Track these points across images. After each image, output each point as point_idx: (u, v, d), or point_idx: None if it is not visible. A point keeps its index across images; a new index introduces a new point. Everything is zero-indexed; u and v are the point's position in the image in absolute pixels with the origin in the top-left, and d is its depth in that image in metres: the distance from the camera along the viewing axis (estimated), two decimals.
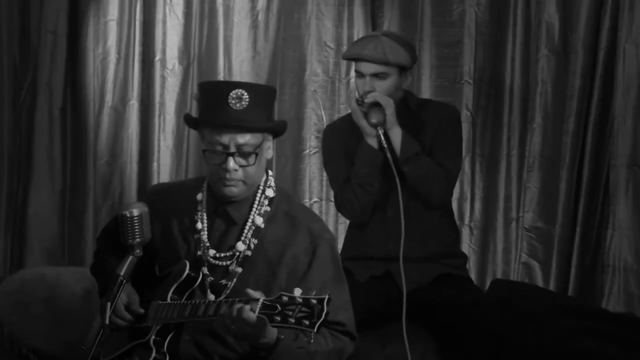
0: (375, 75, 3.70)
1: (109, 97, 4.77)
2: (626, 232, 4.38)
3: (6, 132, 4.72)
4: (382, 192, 3.73)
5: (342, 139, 3.85)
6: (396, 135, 3.69)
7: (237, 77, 4.77)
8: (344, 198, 3.78)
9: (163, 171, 4.77)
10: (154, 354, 2.84)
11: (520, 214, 4.58)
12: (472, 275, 4.47)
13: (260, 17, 4.78)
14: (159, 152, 4.77)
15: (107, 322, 2.72)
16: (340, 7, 4.71)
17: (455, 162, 3.82)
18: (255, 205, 2.93)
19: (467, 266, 4.03)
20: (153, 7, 4.75)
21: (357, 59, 3.75)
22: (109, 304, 2.74)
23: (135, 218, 2.79)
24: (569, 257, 4.45)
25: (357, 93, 3.79)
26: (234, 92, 2.78)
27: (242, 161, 2.82)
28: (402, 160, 3.68)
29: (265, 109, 2.86)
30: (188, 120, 2.98)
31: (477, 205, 4.65)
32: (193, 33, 4.79)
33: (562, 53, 4.47)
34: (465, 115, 4.54)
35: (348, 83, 4.72)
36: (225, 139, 2.80)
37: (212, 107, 2.83)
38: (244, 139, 2.80)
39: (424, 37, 4.59)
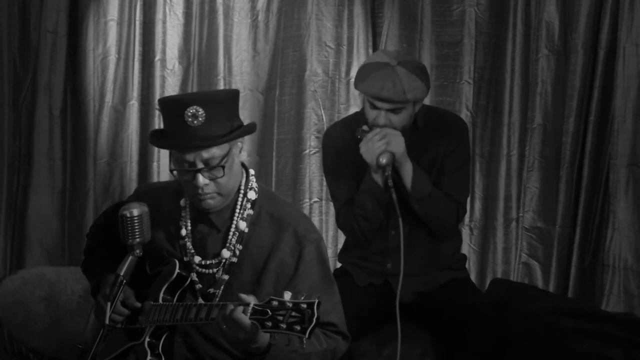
0: (391, 110, 3.55)
1: (109, 97, 4.77)
2: (626, 232, 4.38)
3: (6, 132, 4.72)
4: (386, 212, 3.67)
5: (342, 151, 3.71)
6: (407, 172, 3.58)
7: (237, 77, 4.77)
8: (346, 222, 3.69)
9: (163, 171, 4.77)
10: (149, 356, 2.84)
11: (520, 214, 4.58)
12: (472, 275, 4.47)
13: (260, 17, 4.78)
14: (159, 152, 4.77)
15: (107, 322, 2.72)
16: (340, 7, 4.70)
17: (464, 193, 3.74)
18: (237, 210, 2.91)
19: (467, 266, 4.02)
20: (153, 7, 4.75)
21: (377, 99, 3.55)
22: (109, 304, 2.74)
23: (136, 218, 2.79)
24: (569, 257, 4.45)
25: (364, 124, 3.61)
26: (188, 110, 2.75)
27: (211, 174, 2.80)
28: (414, 200, 3.58)
29: (226, 117, 2.82)
30: (154, 142, 2.94)
31: (477, 205, 4.65)
32: (193, 33, 4.79)
33: (562, 53, 4.47)
34: (465, 115, 4.53)
35: (348, 83, 4.72)
36: (190, 157, 2.78)
37: (172, 127, 2.81)
38: (209, 153, 2.78)
39: (424, 37, 4.59)
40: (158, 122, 4.76)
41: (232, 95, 2.93)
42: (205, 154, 2.78)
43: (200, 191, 2.80)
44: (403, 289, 3.56)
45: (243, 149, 2.91)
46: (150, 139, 2.95)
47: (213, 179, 2.80)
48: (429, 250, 3.72)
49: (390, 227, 3.68)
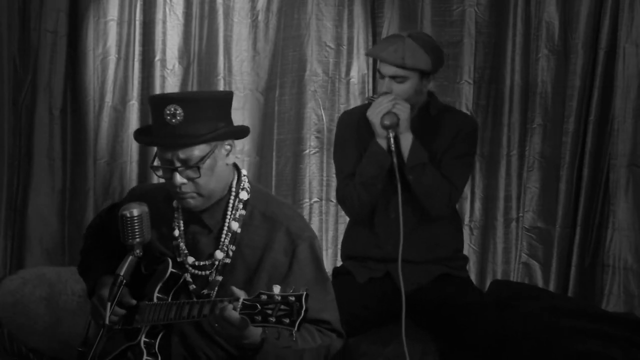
0: (393, 78, 3.67)
1: (109, 97, 4.78)
2: (626, 232, 4.38)
3: (6, 132, 4.72)
4: (387, 194, 3.71)
5: (356, 128, 3.81)
6: (406, 141, 3.66)
7: (237, 77, 4.78)
8: (345, 193, 3.76)
9: None
10: (145, 356, 2.85)
11: (520, 214, 4.58)
12: (472, 275, 4.47)
13: (260, 17, 4.78)
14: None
15: (107, 322, 2.72)
16: (340, 7, 4.70)
17: (461, 179, 3.79)
18: (229, 210, 2.91)
19: (467, 267, 4.02)
20: (153, 7, 4.75)
21: (378, 59, 3.73)
22: (109, 304, 2.74)
23: (135, 218, 2.79)
24: (569, 257, 4.45)
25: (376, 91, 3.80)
26: (167, 108, 2.76)
27: (188, 174, 2.80)
28: (408, 168, 3.65)
29: (209, 118, 2.80)
30: (135, 137, 2.97)
31: (477, 205, 4.65)
32: (193, 33, 4.79)
33: (562, 53, 4.47)
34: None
35: (348, 83, 4.72)
36: (168, 155, 2.79)
37: (154, 124, 2.83)
38: (186, 153, 2.77)
39: None
40: None
41: (220, 97, 2.93)
42: (182, 154, 2.78)
43: (178, 190, 2.81)
44: (403, 278, 3.58)
45: (232, 152, 2.88)
46: (134, 134, 2.98)
47: (190, 179, 2.80)
48: (429, 236, 3.75)
49: (391, 210, 3.71)
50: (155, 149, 2.89)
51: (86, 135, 4.77)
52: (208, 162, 2.80)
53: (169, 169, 2.80)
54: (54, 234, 4.80)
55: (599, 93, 4.38)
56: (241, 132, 2.93)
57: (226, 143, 2.85)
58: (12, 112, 4.73)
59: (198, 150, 2.78)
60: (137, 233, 2.79)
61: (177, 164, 2.78)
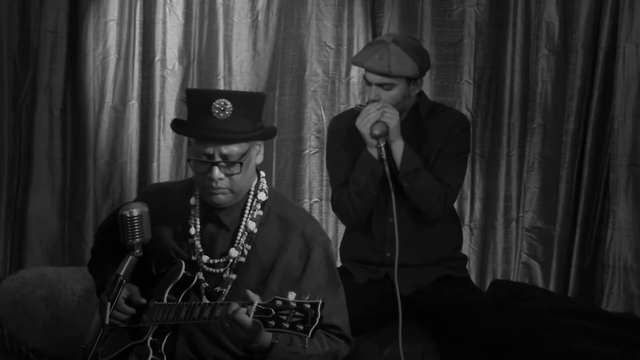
0: (380, 85, 3.64)
1: (109, 97, 4.78)
2: (626, 232, 4.38)
3: (6, 132, 4.72)
4: (384, 199, 3.70)
5: (346, 135, 3.78)
6: (398, 148, 3.64)
7: (237, 77, 4.77)
8: (340, 201, 3.75)
9: (163, 171, 4.77)
10: (151, 355, 2.85)
11: (520, 214, 4.58)
12: (472, 275, 4.47)
13: (260, 17, 4.78)
14: (159, 152, 4.77)
15: (107, 322, 2.72)
16: (340, 7, 4.71)
17: (456, 177, 3.76)
18: (247, 210, 2.93)
19: (467, 267, 4.02)
20: (153, 7, 4.75)
21: (363, 68, 3.70)
22: (109, 304, 2.74)
23: (135, 218, 2.80)
24: (569, 257, 4.45)
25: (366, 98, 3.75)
26: (217, 102, 2.78)
27: (227, 170, 2.82)
28: (402, 175, 3.63)
29: (251, 116, 2.84)
30: (175, 129, 2.96)
31: (477, 205, 4.65)
32: (193, 33, 4.79)
33: (562, 53, 4.47)
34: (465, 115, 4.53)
35: (348, 83, 4.72)
36: (210, 149, 2.81)
37: (197, 117, 2.83)
38: (228, 149, 2.80)
39: (424, 37, 4.59)
40: (158, 122, 4.76)
41: (259, 97, 2.97)
42: (225, 150, 2.80)
43: (214, 184, 2.82)
44: (402, 281, 3.57)
45: (260, 152, 2.92)
46: (173, 126, 2.96)
47: (229, 175, 2.82)
48: (427, 239, 3.74)
49: (388, 215, 3.70)
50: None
51: (86, 135, 4.77)
52: (246, 159, 2.83)
53: (208, 163, 2.81)
54: (54, 234, 4.80)
55: (599, 93, 4.39)
56: (273, 133, 3.00)
57: (257, 143, 2.89)
58: (12, 112, 4.73)
59: (238, 147, 2.81)
60: (137, 233, 2.80)
61: (218, 159, 2.80)
